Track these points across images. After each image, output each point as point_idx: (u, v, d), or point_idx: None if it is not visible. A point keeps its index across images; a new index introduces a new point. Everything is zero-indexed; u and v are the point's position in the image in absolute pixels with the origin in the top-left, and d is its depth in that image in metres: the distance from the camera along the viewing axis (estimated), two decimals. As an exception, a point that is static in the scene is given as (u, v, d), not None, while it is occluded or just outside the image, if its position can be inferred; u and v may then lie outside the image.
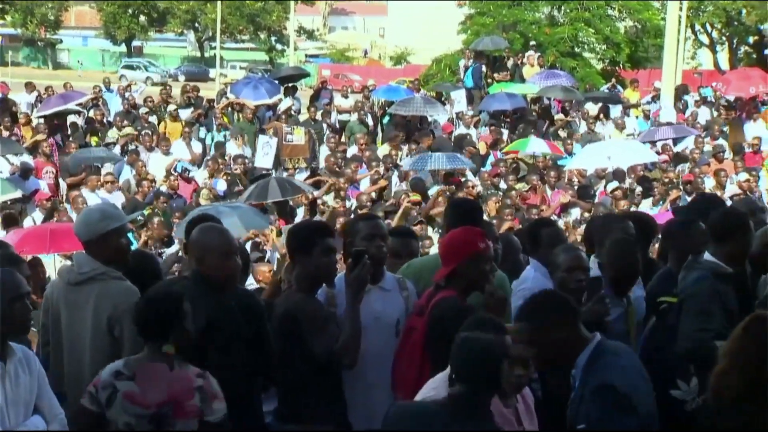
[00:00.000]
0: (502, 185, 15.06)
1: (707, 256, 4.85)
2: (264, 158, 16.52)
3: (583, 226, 10.11)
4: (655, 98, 22.80)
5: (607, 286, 5.21)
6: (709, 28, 43.72)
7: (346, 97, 22.89)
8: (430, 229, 12.19)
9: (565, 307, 3.83)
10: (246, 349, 4.51)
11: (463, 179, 14.87)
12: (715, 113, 21.32)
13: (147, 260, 5.58)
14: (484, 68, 22.76)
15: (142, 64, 57.10)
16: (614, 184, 14.61)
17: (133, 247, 6.60)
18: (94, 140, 18.05)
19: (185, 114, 18.87)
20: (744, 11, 39.18)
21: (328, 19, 77.45)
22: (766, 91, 21.33)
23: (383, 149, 17.26)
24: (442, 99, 22.19)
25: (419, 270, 5.27)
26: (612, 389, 3.59)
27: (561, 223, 11.60)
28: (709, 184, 14.60)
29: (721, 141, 17.51)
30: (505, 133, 19.10)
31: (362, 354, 4.59)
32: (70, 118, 18.52)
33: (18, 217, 12.26)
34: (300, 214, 12.89)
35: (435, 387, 4.01)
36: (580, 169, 15.67)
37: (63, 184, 15.54)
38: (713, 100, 22.89)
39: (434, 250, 9.66)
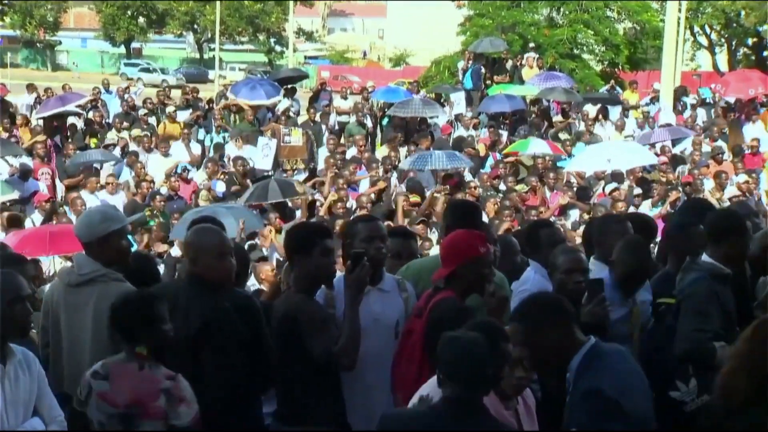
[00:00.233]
0: (502, 187, 15.06)
1: (705, 257, 4.85)
2: (263, 160, 16.53)
3: (582, 228, 10.10)
4: (654, 100, 22.81)
5: (615, 285, 5.20)
6: (708, 30, 43.73)
7: (346, 98, 22.89)
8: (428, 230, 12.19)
9: (558, 308, 3.83)
10: (243, 351, 4.51)
11: (465, 180, 14.86)
12: (713, 115, 21.32)
13: (146, 262, 5.59)
14: (483, 70, 22.76)
15: (151, 68, 57.11)
16: (613, 185, 14.61)
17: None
18: (93, 142, 18.06)
19: (184, 115, 18.89)
20: (743, 13, 39.20)
21: (327, 20, 77.44)
22: (765, 93, 21.34)
23: (382, 151, 17.26)
24: (441, 100, 22.20)
25: (418, 271, 5.28)
26: (598, 394, 3.58)
27: (559, 225, 11.59)
28: (708, 185, 14.60)
29: (720, 143, 17.51)
30: (504, 134, 19.11)
31: (361, 355, 4.59)
32: (69, 120, 18.52)
33: (22, 218, 12.27)
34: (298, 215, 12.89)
35: (430, 388, 4.01)
36: (579, 170, 15.68)
37: (61, 186, 15.55)
38: (711, 101, 22.90)
39: (433, 251, 9.67)
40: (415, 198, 13.36)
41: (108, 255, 4.74)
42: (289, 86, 21.42)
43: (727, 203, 12.95)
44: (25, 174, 14.56)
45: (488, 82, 22.67)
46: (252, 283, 8.06)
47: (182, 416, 4.08)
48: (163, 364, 4.19)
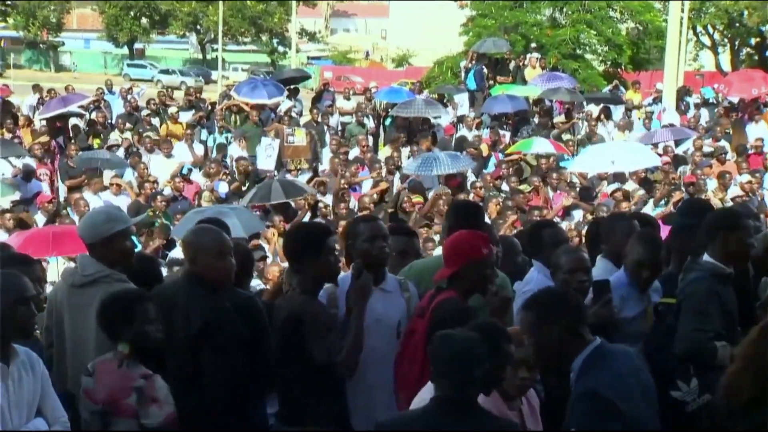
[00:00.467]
0: (504, 187, 15.05)
1: (706, 257, 4.85)
2: (267, 160, 16.52)
3: (585, 228, 10.10)
4: (657, 100, 22.79)
5: (630, 282, 5.19)
6: (710, 30, 43.73)
7: (348, 99, 22.89)
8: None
9: (562, 303, 3.82)
10: (243, 351, 4.52)
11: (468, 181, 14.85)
12: (716, 115, 21.29)
13: (149, 263, 5.60)
14: (485, 70, 22.75)
15: (170, 69, 57.13)
16: (615, 185, 14.59)
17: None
18: (96, 142, 18.05)
19: (187, 116, 18.89)
20: (746, 13, 39.19)
21: (329, 21, 77.43)
22: (768, 92, 21.32)
23: (385, 151, 17.25)
24: (444, 101, 22.19)
25: (421, 272, 5.28)
26: (594, 395, 3.58)
27: (564, 226, 11.58)
28: (711, 185, 14.58)
29: (723, 143, 17.49)
30: (507, 135, 19.09)
31: (363, 355, 4.60)
32: (72, 121, 18.53)
33: (30, 221, 12.28)
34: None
35: (431, 389, 4.01)
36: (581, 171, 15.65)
37: (62, 187, 15.55)
38: (714, 101, 22.86)
39: (436, 252, 9.66)
40: (417, 198, 13.35)
41: (112, 256, 4.75)
42: (292, 87, 21.41)
43: (730, 203, 12.93)
44: (28, 175, 14.56)
45: (491, 82, 22.66)
46: (257, 284, 8.03)
47: (152, 416, 4.08)
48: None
